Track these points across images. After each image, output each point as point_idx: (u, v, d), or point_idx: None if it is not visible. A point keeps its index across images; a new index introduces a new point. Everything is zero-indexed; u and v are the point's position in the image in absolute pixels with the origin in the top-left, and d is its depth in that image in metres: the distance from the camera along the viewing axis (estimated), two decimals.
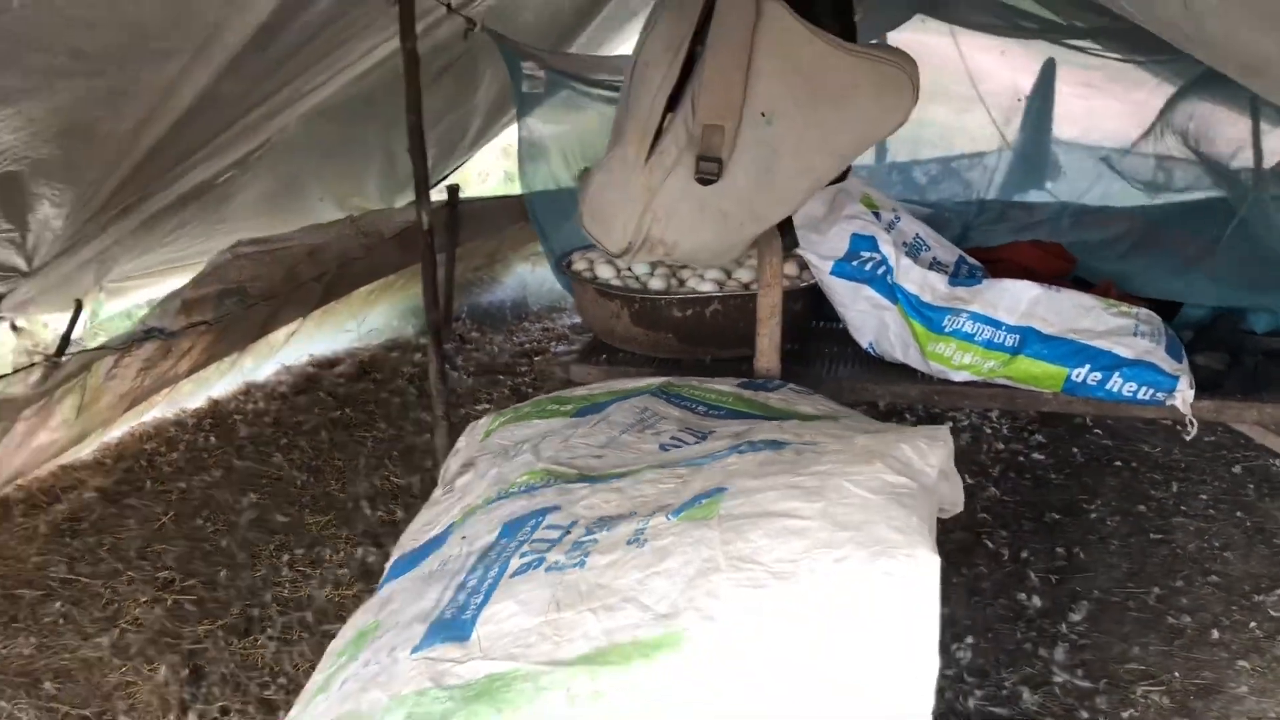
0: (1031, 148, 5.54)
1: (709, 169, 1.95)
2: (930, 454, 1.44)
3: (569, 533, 1.42)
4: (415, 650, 1.32)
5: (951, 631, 2.73)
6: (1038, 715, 2.43)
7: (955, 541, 3.17)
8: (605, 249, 2.15)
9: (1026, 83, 5.08)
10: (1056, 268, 3.22)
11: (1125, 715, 2.42)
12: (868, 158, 6.03)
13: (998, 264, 3.21)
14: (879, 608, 1.12)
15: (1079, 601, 2.88)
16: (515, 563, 1.40)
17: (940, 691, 2.48)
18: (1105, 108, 5.14)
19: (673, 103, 2.04)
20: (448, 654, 1.27)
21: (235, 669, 2.58)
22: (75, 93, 2.27)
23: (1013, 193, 5.44)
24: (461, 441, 2.31)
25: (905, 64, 1.98)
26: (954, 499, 1.95)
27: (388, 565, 1.86)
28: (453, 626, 1.33)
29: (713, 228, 2.02)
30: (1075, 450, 3.81)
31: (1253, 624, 2.75)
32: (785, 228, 2.23)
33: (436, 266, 2.93)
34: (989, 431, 4.00)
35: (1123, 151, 4.93)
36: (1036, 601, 2.88)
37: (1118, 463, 3.71)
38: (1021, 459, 3.76)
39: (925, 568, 1.13)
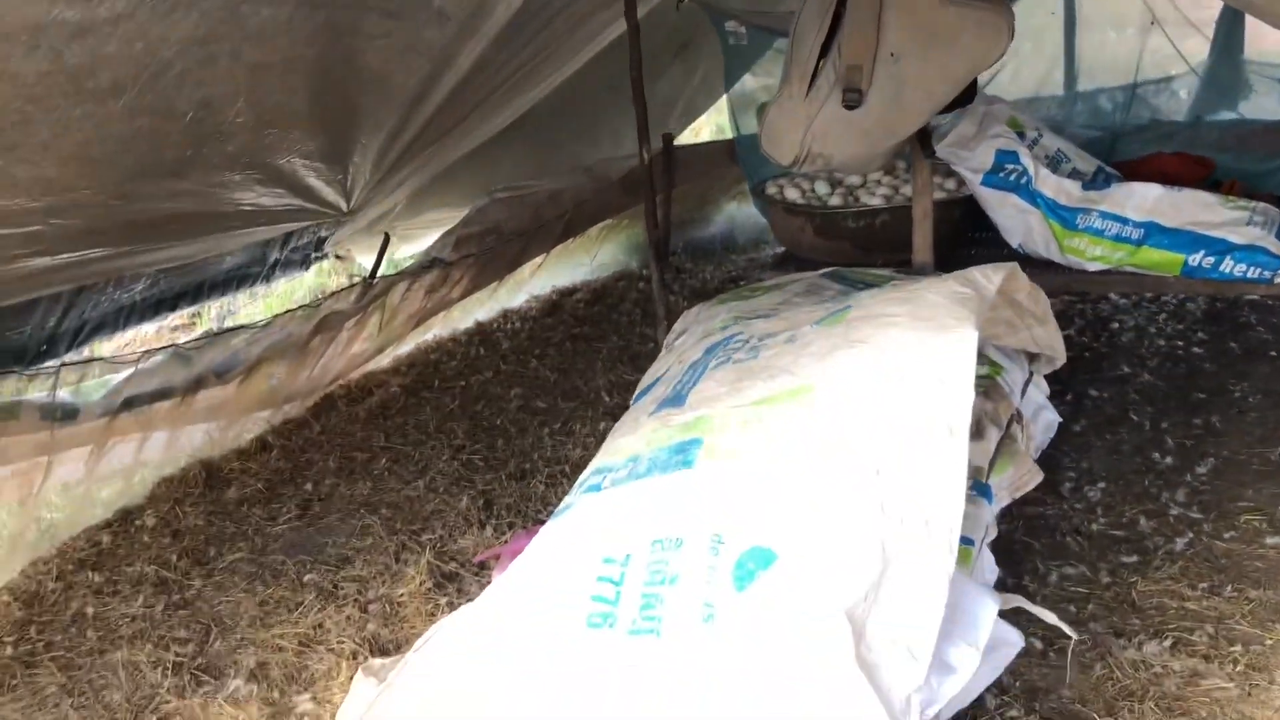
0: (1220, 70, 5.71)
1: (852, 98, 2.58)
2: (994, 277, 2.05)
3: (748, 342, 2.13)
4: (649, 415, 2.07)
5: (1087, 478, 3.26)
6: (1149, 535, 2.94)
7: (1103, 414, 3.66)
8: (778, 163, 2.82)
9: None
10: (1195, 174, 3.65)
11: (1227, 535, 2.91)
12: (1056, 88, 6.35)
13: (1141, 174, 3.67)
14: (939, 357, 1.76)
15: (1206, 459, 3.32)
16: (713, 363, 2.13)
17: (1068, 518, 3.05)
18: None
19: (824, 51, 2.68)
20: (671, 412, 2.02)
21: (516, 500, 3.42)
22: (380, 44, 3.03)
23: (1202, 115, 5.63)
24: (678, 323, 3.06)
25: (1001, 9, 2.54)
26: (1051, 344, 2.54)
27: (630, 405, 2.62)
28: (673, 400, 2.07)
29: (857, 142, 2.65)
30: (1234, 345, 4.16)
31: None
32: (925, 141, 2.83)
33: (656, 195, 3.66)
34: (1153, 330, 4.38)
35: None
36: (1169, 460, 3.35)
37: (1273, 353, 4.04)
38: (1180, 352, 4.15)
39: (969, 337, 1.77)
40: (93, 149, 2.53)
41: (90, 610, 2.98)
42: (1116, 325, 4.47)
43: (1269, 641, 2.46)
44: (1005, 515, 3.00)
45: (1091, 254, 3.26)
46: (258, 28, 2.54)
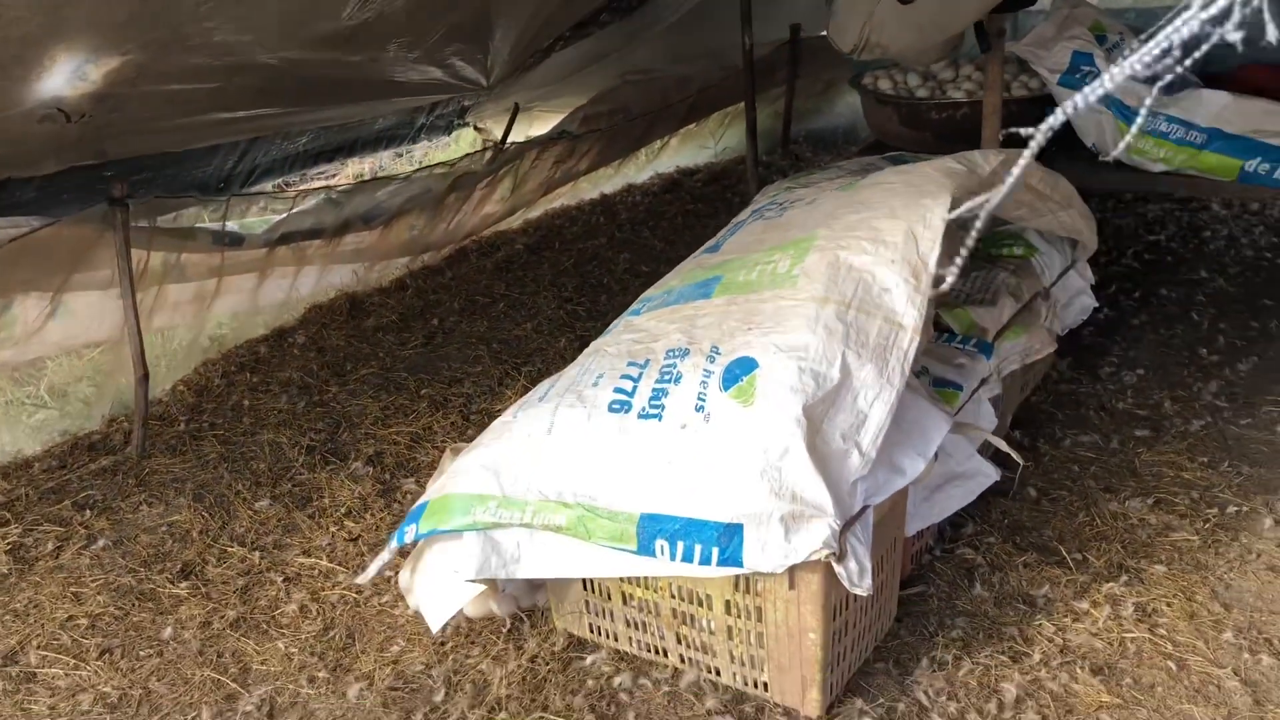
0: None
1: None
2: (992, 158, 2.36)
3: (781, 206, 2.51)
4: (693, 259, 2.48)
5: (1128, 365, 3.50)
6: (1170, 416, 3.20)
7: (1165, 312, 3.86)
8: (840, 49, 3.12)
9: None
10: None
11: (1243, 421, 3.14)
12: None
13: (1231, 83, 3.78)
14: (918, 213, 2.11)
15: (1250, 358, 3.51)
16: (749, 221, 2.51)
17: (1098, 396, 3.33)
18: None
19: None
20: (707, 256, 2.44)
21: None
22: None
23: None
24: (756, 197, 3.42)
25: None
26: (1078, 229, 2.83)
27: None
28: (712, 248, 2.49)
29: (911, 35, 2.92)
30: None
31: None
32: (982, 37, 3.08)
33: (755, 77, 3.99)
34: (1245, 241, 4.49)
35: None
36: (1214, 357, 3.55)
37: None
38: (1265, 263, 4.27)
39: (942, 199, 2.11)
40: (269, 18, 3.02)
41: (246, 402, 3.62)
42: (1209, 234, 4.58)
43: (1245, 509, 2.74)
44: (1038, 389, 3.32)
45: (1155, 155, 3.46)
46: None
